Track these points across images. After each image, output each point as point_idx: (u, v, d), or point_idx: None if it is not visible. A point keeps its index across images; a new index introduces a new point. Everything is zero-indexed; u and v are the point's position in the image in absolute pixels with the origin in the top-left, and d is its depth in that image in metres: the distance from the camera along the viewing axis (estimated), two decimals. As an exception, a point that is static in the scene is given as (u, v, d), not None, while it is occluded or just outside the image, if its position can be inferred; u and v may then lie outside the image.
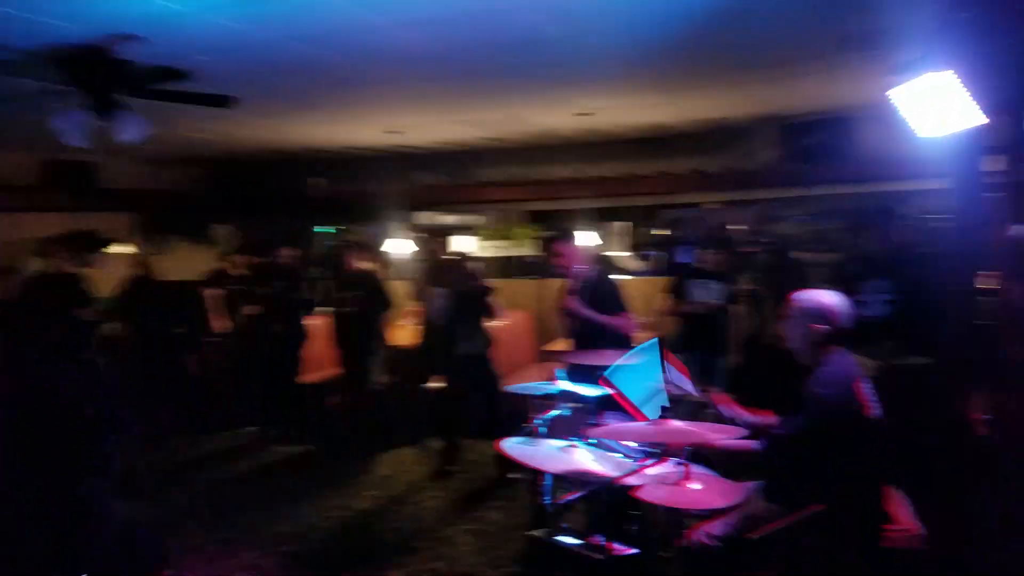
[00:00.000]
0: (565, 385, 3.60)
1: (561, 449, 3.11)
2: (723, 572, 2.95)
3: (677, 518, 2.93)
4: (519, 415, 5.47)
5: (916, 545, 3.08)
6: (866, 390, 2.92)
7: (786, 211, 8.02)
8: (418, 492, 5.35)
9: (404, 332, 6.75)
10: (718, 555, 2.90)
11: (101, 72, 4.04)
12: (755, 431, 3.01)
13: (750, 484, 3.34)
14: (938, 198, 6.60)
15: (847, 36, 4.43)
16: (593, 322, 4.59)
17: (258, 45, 4.14)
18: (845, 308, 3.00)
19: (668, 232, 9.01)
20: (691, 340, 5.72)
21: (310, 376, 6.81)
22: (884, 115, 6.68)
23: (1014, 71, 2.76)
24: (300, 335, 6.72)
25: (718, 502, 2.64)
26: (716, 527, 2.94)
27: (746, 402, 3.33)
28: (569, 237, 4.87)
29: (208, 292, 6.98)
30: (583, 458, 3.02)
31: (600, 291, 4.68)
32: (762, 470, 3.25)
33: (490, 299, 5.58)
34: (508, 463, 5.23)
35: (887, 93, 3.39)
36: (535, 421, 3.41)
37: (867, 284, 4.41)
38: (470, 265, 5.81)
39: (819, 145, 7.22)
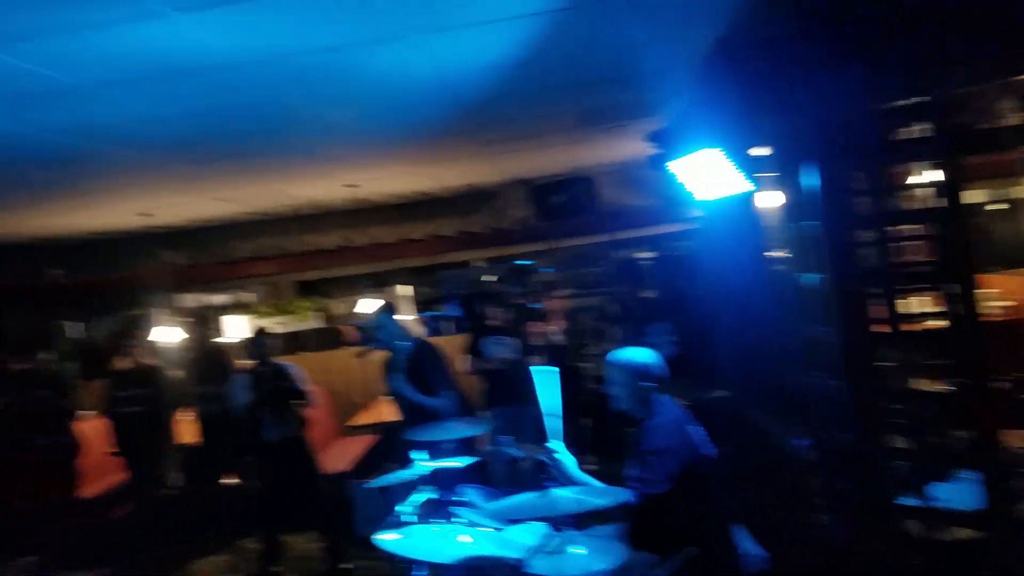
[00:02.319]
0: (430, 465, 3.41)
1: (447, 535, 3.00)
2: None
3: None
4: (346, 502, 5.31)
5: (764, 569, 3.24)
6: (696, 430, 3.12)
7: (545, 262, 8.85)
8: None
9: (188, 428, 6.29)
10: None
11: None
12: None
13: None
14: (671, 241, 7.88)
15: (585, 112, 5.03)
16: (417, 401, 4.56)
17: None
18: (659, 359, 3.16)
19: (442, 292, 9.37)
20: (496, 396, 5.89)
21: (88, 490, 6.05)
22: (621, 172, 7.90)
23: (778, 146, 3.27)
24: (72, 446, 5.94)
25: (605, 563, 2.67)
26: None
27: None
28: (392, 311, 4.84)
29: None
30: (474, 542, 2.93)
31: (422, 365, 4.65)
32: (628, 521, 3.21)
33: (304, 384, 5.30)
34: (339, 554, 5.05)
35: (667, 165, 3.94)
36: (404, 508, 3.22)
37: (652, 327, 4.86)
38: (270, 342, 5.51)
39: (564, 202, 8.18)
